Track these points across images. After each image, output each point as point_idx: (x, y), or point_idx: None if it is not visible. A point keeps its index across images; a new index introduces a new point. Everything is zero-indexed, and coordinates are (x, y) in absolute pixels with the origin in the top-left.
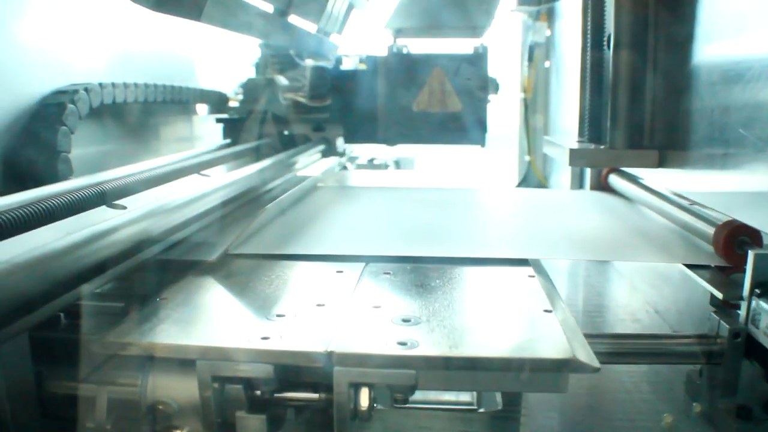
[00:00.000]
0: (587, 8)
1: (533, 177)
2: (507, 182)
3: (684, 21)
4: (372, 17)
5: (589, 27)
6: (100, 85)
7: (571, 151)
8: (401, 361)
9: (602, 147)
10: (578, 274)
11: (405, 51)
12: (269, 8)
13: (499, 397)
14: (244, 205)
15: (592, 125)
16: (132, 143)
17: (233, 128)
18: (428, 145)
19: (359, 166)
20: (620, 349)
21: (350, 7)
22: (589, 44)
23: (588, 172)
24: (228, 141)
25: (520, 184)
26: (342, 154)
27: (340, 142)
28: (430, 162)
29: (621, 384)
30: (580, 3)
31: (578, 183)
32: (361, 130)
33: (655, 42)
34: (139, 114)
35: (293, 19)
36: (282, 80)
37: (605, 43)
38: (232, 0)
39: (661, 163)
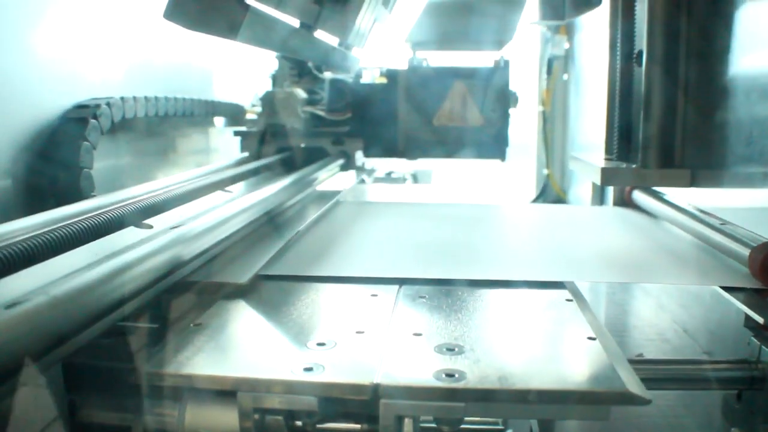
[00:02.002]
0: (616, 23)
1: (551, 190)
2: (524, 194)
3: (719, 35)
4: (391, 30)
5: (618, 42)
6: (122, 99)
7: (603, 170)
8: (450, 394)
9: (634, 166)
10: (601, 290)
11: (425, 64)
12: (295, 23)
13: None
14: (269, 223)
15: (621, 143)
16: (151, 157)
17: (251, 141)
18: (448, 159)
19: (377, 180)
20: (659, 375)
21: (374, 21)
22: (618, 60)
23: (611, 187)
24: (246, 154)
25: (537, 198)
26: (362, 168)
27: (358, 156)
28: (446, 174)
29: (657, 408)
30: (603, 17)
31: (600, 198)
32: (381, 143)
33: (687, 57)
34: (158, 127)
35: (318, 33)
36: (301, 93)
37: (634, 59)
38: (267, 18)
39: (693, 182)
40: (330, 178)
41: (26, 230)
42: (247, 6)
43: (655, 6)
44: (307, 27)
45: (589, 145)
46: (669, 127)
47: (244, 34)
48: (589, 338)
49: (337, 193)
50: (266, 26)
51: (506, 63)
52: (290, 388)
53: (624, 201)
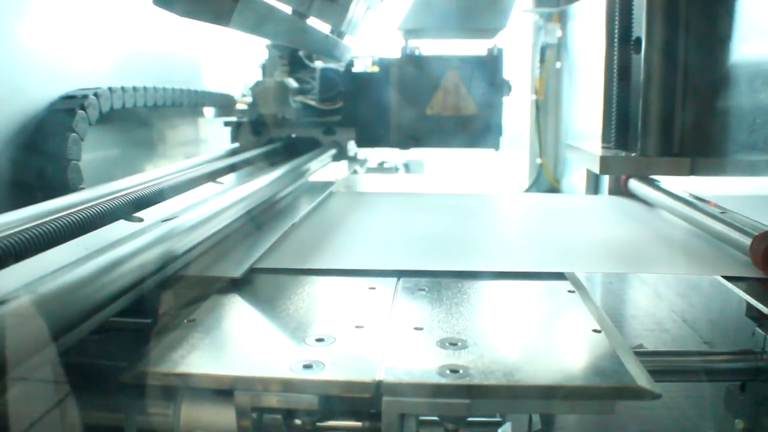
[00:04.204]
0: (613, 10)
1: (544, 179)
2: (516, 183)
3: (720, 20)
4: (384, 18)
5: (615, 29)
6: (110, 89)
7: (602, 159)
8: (455, 391)
9: (632, 154)
10: (596, 280)
11: (417, 53)
12: (287, 9)
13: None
14: (263, 215)
15: (618, 131)
16: (141, 148)
17: (242, 132)
18: (441, 148)
19: (369, 170)
20: (662, 366)
21: (366, 9)
22: (615, 47)
23: (606, 176)
24: (236, 145)
25: (531, 187)
26: (354, 159)
27: (350, 146)
28: (438, 163)
29: (659, 399)
30: (597, 4)
31: (594, 187)
32: (373, 133)
33: (687, 43)
34: (147, 118)
35: (311, 20)
36: (291, 83)
37: (632, 45)
38: (259, 5)
39: (693, 170)
40: (322, 168)
41: (12, 225)
42: None
43: None
44: (300, 14)
45: (583, 133)
46: (668, 114)
47: (236, 21)
48: (594, 330)
49: (330, 183)
50: (259, 13)
51: (499, 51)
52: (289, 386)
53: (620, 190)
